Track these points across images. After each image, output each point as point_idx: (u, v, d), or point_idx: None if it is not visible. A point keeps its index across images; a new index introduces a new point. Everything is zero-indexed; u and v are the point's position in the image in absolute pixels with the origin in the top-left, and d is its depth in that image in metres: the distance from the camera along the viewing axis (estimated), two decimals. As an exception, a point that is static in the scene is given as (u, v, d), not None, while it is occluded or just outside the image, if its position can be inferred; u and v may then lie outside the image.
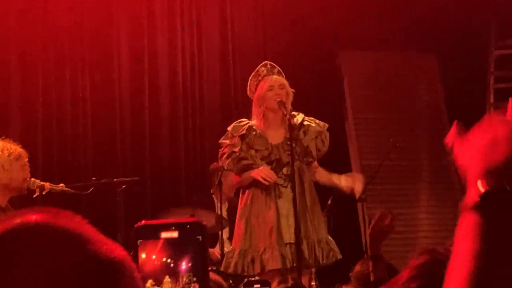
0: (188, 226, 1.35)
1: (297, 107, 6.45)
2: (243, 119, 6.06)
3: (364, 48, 9.58)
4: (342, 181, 6.09)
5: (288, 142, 5.78)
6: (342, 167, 9.22)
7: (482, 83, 9.49)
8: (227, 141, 5.94)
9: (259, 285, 3.11)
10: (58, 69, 8.57)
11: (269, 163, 5.87)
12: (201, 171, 8.97)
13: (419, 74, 9.76)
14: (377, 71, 9.56)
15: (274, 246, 5.71)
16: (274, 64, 6.05)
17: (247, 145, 5.86)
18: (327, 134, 6.05)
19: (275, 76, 5.93)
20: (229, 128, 6.01)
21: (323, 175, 6.10)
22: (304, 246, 5.75)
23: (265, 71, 5.97)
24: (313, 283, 6.54)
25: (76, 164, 8.44)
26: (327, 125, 6.11)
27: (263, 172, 5.76)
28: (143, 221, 1.34)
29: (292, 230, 5.65)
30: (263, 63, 6.13)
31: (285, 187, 5.81)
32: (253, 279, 5.81)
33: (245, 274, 5.85)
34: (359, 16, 9.61)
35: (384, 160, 7.97)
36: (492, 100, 9.49)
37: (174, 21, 9.12)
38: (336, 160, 9.15)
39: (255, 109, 5.97)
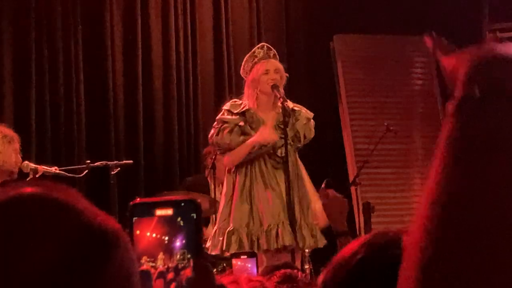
0: (183, 203, 1.35)
1: (290, 91, 6.46)
2: (237, 99, 6.05)
3: (358, 31, 9.58)
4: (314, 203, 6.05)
5: (280, 126, 5.80)
6: (336, 151, 9.28)
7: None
8: (228, 116, 5.92)
9: (245, 256, 3.15)
10: (51, 54, 8.54)
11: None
12: (195, 154, 8.97)
13: (413, 58, 9.76)
14: (371, 54, 9.57)
15: (264, 226, 5.74)
16: (271, 47, 6.04)
17: (247, 122, 5.89)
18: (313, 123, 6.04)
19: (271, 60, 5.92)
20: (225, 107, 6.00)
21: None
22: (300, 228, 5.81)
23: (261, 53, 5.95)
24: (306, 266, 6.57)
25: (70, 147, 8.43)
26: (312, 114, 6.08)
27: (264, 133, 5.77)
28: (138, 199, 1.34)
29: (285, 212, 5.70)
30: (259, 45, 6.12)
31: (279, 169, 5.83)
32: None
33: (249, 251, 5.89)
34: (353, -1, 9.61)
35: (378, 144, 7.98)
36: (486, 84, 9.50)
37: (167, 3, 9.09)
38: (330, 144, 9.22)
39: (248, 90, 5.97)
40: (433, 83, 9.64)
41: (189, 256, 1.27)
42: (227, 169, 6.08)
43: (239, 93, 8.77)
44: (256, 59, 5.93)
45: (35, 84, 8.38)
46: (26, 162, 5.72)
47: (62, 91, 8.53)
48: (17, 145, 5.50)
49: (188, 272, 1.24)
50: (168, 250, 1.28)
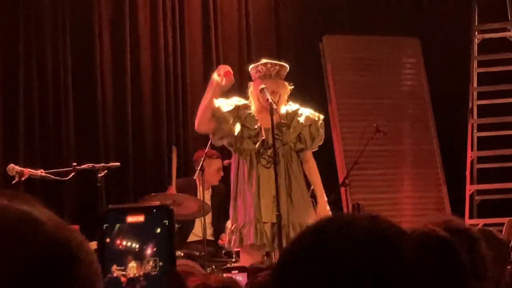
0: (155, 210, 1.32)
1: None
2: (241, 99, 6.24)
3: (347, 32, 9.56)
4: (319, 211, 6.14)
5: (281, 128, 6.01)
6: (326, 152, 9.25)
7: (465, 67, 9.49)
8: (227, 101, 6.18)
9: (237, 271, 3.14)
10: (40, 59, 8.51)
11: (255, 142, 6.05)
12: (184, 156, 8.94)
13: (402, 59, 9.75)
14: (360, 55, 9.55)
15: (251, 223, 5.94)
16: (274, 62, 6.11)
17: (238, 118, 6.08)
18: (322, 125, 6.19)
19: (268, 80, 6.03)
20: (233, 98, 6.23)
21: (310, 175, 6.26)
22: (288, 229, 5.87)
23: (263, 71, 6.10)
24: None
25: (58, 149, 8.39)
26: (322, 116, 6.22)
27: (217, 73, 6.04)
28: (111, 206, 1.31)
29: (272, 211, 5.83)
30: (263, 62, 6.15)
31: (268, 168, 5.97)
32: (231, 265, 5.98)
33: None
34: (343, 0, 9.59)
35: (367, 145, 7.97)
36: (475, 84, 9.51)
37: (156, 7, 9.06)
38: (319, 146, 9.18)
39: (253, 92, 6.14)
40: (423, 84, 9.62)
41: (161, 263, 1.25)
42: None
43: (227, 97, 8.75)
44: (257, 75, 6.11)
45: (23, 86, 8.34)
46: (12, 165, 5.69)
47: (51, 93, 8.49)
48: None
49: (159, 280, 1.22)
50: (140, 257, 1.25)
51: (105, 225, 1.31)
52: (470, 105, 9.43)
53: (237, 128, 6.09)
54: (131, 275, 1.29)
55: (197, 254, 7.26)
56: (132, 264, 1.30)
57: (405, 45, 9.75)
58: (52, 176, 5.95)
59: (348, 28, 9.54)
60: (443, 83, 9.43)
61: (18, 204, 1.04)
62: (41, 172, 5.84)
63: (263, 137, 6.03)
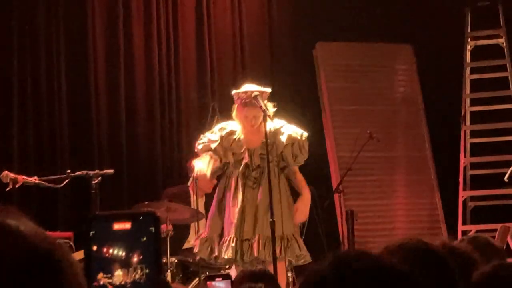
0: (141, 217, 1.34)
1: (274, 98, 6.50)
2: (228, 122, 6.34)
3: (341, 39, 9.59)
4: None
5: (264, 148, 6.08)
6: (319, 159, 9.28)
7: (458, 74, 9.52)
8: (210, 136, 6.31)
9: (220, 278, 3.15)
10: (34, 66, 8.52)
11: (240, 165, 6.22)
12: (178, 164, 8.95)
13: (395, 65, 9.78)
14: (354, 62, 9.58)
15: (231, 239, 6.10)
16: (253, 89, 6.15)
17: (223, 146, 6.22)
18: (305, 142, 6.26)
19: (249, 108, 6.11)
20: (215, 128, 6.37)
21: (298, 189, 6.39)
22: (257, 242, 6.06)
23: (244, 98, 6.15)
24: (289, 274, 6.59)
25: (52, 156, 8.41)
26: (306, 134, 6.27)
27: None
28: (96, 212, 1.33)
29: (252, 229, 6.09)
30: (244, 90, 6.20)
31: (254, 188, 6.15)
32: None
33: (207, 260, 6.35)
34: (336, 7, 9.61)
35: (361, 152, 8.00)
36: (468, 91, 9.53)
37: (150, 12, 9.08)
38: (313, 152, 9.21)
39: (238, 115, 6.24)
40: (416, 90, 9.65)
41: (147, 271, 1.27)
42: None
43: (221, 104, 8.79)
44: (238, 101, 6.19)
45: (17, 93, 8.35)
46: (6, 172, 5.69)
47: (45, 100, 8.51)
48: None
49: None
50: (126, 265, 1.26)
51: (91, 232, 1.33)
52: (463, 112, 9.45)
53: (228, 155, 6.26)
54: (118, 283, 1.31)
55: (191, 261, 7.27)
56: (119, 272, 1.31)
57: (398, 52, 9.79)
58: (46, 183, 5.96)
59: (342, 35, 9.56)
60: (436, 90, 9.46)
61: (1, 216, 1.06)
62: (35, 179, 5.85)
63: (246, 160, 6.17)
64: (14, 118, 8.32)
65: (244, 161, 6.19)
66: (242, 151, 6.20)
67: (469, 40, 9.59)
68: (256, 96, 6.06)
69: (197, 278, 6.93)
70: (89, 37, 8.79)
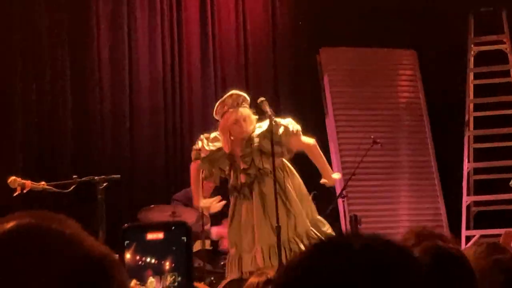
0: (173, 227, 1.37)
1: (277, 103, 6.53)
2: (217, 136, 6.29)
3: (344, 44, 9.61)
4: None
5: (246, 159, 6.15)
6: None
7: (462, 79, 9.55)
8: (205, 143, 6.30)
9: None
10: (38, 70, 8.54)
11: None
12: (181, 168, 8.97)
13: (399, 71, 9.80)
14: (357, 67, 9.59)
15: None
16: (240, 93, 6.20)
17: (210, 161, 6.25)
18: (276, 125, 6.11)
19: (240, 109, 6.11)
20: (211, 135, 6.31)
21: (314, 160, 6.37)
22: (260, 253, 6.07)
23: (230, 102, 6.15)
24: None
25: (57, 162, 8.42)
26: (276, 121, 6.16)
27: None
28: (130, 223, 1.36)
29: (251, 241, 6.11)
30: (229, 93, 6.24)
31: (250, 199, 6.18)
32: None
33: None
34: (340, 12, 9.63)
35: (365, 156, 8.01)
36: (471, 96, 9.56)
37: (154, 19, 9.10)
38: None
39: (221, 135, 6.22)
40: (419, 96, 9.67)
41: (179, 279, 1.30)
42: None
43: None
44: (226, 107, 6.15)
45: (21, 97, 8.37)
46: (14, 177, 5.70)
47: (49, 106, 8.53)
48: None
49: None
50: (159, 272, 1.30)
51: (126, 242, 1.36)
52: (467, 117, 9.47)
53: (215, 172, 6.32)
54: (151, 290, 1.34)
55: (196, 265, 7.29)
56: (151, 279, 1.34)
57: (402, 57, 9.81)
58: (54, 189, 5.96)
59: (345, 40, 9.58)
60: (439, 95, 9.48)
61: (55, 223, 1.08)
62: (43, 185, 5.86)
63: (232, 181, 6.23)
64: (18, 124, 8.34)
65: (230, 181, 6.24)
66: (226, 169, 6.24)
67: (472, 45, 9.61)
68: (262, 101, 6.05)
69: (202, 283, 6.94)
70: (94, 41, 8.81)
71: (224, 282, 6.75)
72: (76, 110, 8.66)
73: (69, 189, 6.08)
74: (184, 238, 1.37)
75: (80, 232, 1.10)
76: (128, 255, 1.35)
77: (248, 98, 6.22)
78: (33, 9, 8.59)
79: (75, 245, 1.06)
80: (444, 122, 9.46)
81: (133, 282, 1.34)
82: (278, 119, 6.18)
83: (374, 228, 8.95)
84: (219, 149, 6.22)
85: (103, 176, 6.35)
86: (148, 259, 1.37)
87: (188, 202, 7.51)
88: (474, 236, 8.90)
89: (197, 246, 7.55)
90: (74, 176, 6.27)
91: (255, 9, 9.63)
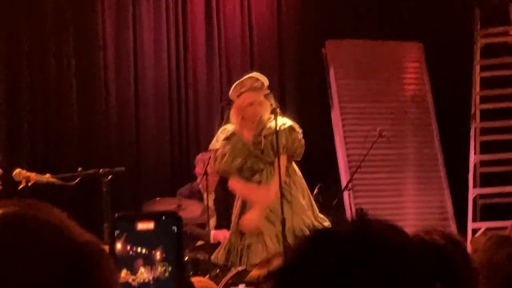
0: (164, 217, 1.37)
1: (284, 96, 6.53)
2: (226, 127, 6.26)
3: (350, 36, 9.59)
4: None
5: (258, 147, 6.08)
6: (329, 157, 9.30)
7: (468, 72, 9.52)
8: (218, 144, 6.19)
9: (244, 285, 3.13)
10: (43, 63, 8.56)
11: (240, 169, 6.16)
12: (187, 161, 8.98)
13: (405, 63, 9.78)
14: (363, 60, 9.57)
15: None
16: (259, 77, 6.15)
17: (232, 147, 6.13)
18: (286, 131, 6.09)
19: (255, 93, 6.08)
20: (215, 138, 6.27)
21: None
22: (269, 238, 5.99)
23: (249, 84, 6.11)
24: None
25: (62, 154, 8.44)
26: (289, 124, 6.12)
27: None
28: (121, 213, 1.36)
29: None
30: (249, 75, 6.20)
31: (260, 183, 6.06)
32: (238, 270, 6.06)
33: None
34: (345, 4, 9.62)
35: (370, 149, 8.00)
36: (478, 89, 9.53)
37: (160, 17, 9.11)
38: (322, 150, 9.23)
39: (233, 115, 6.18)
40: (426, 88, 9.65)
41: (170, 268, 1.30)
42: None
43: (230, 102, 8.78)
44: (243, 89, 6.11)
45: (27, 92, 8.39)
46: (19, 169, 5.72)
47: (55, 97, 8.55)
48: None
49: (169, 284, 1.26)
50: (149, 262, 1.30)
51: (116, 232, 1.36)
52: (473, 109, 9.45)
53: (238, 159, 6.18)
54: (141, 280, 1.34)
55: (201, 258, 7.30)
56: (142, 269, 1.34)
57: (408, 49, 9.78)
58: (59, 181, 5.98)
59: (351, 32, 9.57)
60: (446, 87, 9.46)
61: (41, 212, 1.08)
62: (48, 177, 5.87)
63: (249, 165, 6.12)
64: (24, 117, 8.36)
65: (246, 166, 6.14)
66: (243, 153, 6.14)
67: (479, 38, 9.58)
68: (267, 94, 6.06)
69: (208, 276, 6.95)
70: (99, 33, 8.82)
71: (230, 274, 6.77)
72: (81, 103, 8.68)
73: (74, 182, 6.11)
74: (175, 228, 1.37)
75: (66, 220, 1.10)
76: (118, 245, 1.35)
77: (266, 84, 6.18)
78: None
79: (60, 233, 1.06)
80: (450, 114, 9.43)
81: (124, 272, 1.34)
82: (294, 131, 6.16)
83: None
84: (233, 134, 6.16)
85: (107, 169, 6.37)
86: (139, 249, 1.37)
87: (192, 197, 7.53)
88: (480, 228, 8.89)
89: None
90: (79, 169, 6.29)
91: (261, 2, 9.62)
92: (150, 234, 1.37)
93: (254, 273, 4.01)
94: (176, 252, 1.35)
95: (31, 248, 1.05)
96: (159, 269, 1.35)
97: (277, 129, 5.93)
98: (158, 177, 8.84)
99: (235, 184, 6.21)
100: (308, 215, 6.14)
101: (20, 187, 5.68)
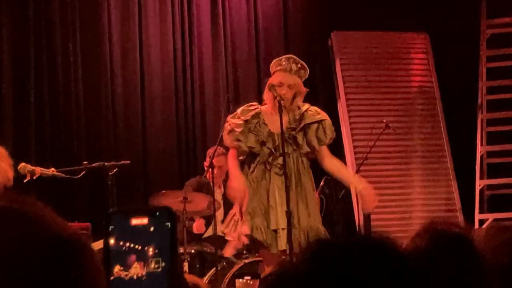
0: (158, 212, 1.36)
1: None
2: (253, 103, 6.18)
3: (356, 28, 9.57)
4: (357, 186, 6.20)
5: (292, 132, 5.98)
6: (335, 148, 9.28)
7: (475, 62, 9.50)
8: (234, 120, 6.07)
9: (249, 277, 3.12)
10: (50, 58, 8.58)
11: (266, 149, 5.99)
12: (194, 154, 8.99)
13: (411, 54, 9.76)
14: (370, 51, 9.56)
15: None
16: (298, 60, 6.11)
17: (248, 129, 6.01)
18: (329, 123, 6.11)
19: (288, 74, 6.01)
20: (238, 110, 6.13)
21: (335, 168, 6.20)
22: (297, 233, 5.83)
23: (284, 65, 6.04)
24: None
25: (69, 148, 8.46)
26: (326, 117, 6.17)
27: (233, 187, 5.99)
28: (115, 208, 1.36)
29: (281, 217, 5.79)
30: (288, 56, 6.15)
31: (281, 175, 5.89)
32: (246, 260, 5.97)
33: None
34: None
35: (377, 141, 7.98)
36: (484, 79, 9.51)
37: (165, 9, 9.11)
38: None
39: (267, 93, 6.09)
40: (432, 79, 9.63)
41: (163, 264, 1.29)
42: None
43: (236, 94, 8.77)
44: (278, 67, 6.05)
45: (34, 86, 8.41)
46: (24, 164, 5.73)
47: (61, 91, 8.56)
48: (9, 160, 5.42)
49: (162, 280, 1.26)
50: (142, 258, 1.29)
51: (110, 227, 1.36)
52: (480, 100, 9.43)
53: (251, 140, 6.01)
54: (134, 276, 1.34)
55: (208, 251, 7.30)
56: (135, 265, 1.34)
57: (414, 40, 9.76)
58: (63, 175, 5.99)
59: (357, 24, 9.55)
60: (452, 78, 9.44)
61: (23, 205, 1.08)
62: (53, 171, 5.88)
63: (270, 145, 5.98)
64: (31, 110, 8.38)
65: (268, 146, 5.98)
66: (266, 135, 5.99)
67: (485, 28, 9.55)
68: (273, 86, 5.99)
69: (214, 268, 6.96)
70: (105, 27, 8.83)
71: (236, 266, 6.77)
72: (88, 95, 8.70)
73: (79, 176, 6.12)
74: (169, 224, 1.36)
75: (50, 215, 1.10)
76: (112, 241, 1.35)
77: (306, 70, 6.15)
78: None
79: (43, 227, 1.06)
80: (457, 105, 9.41)
81: (117, 267, 1.33)
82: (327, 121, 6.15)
83: (387, 212, 8.94)
84: (255, 115, 6.04)
85: (113, 162, 6.38)
86: (132, 245, 1.37)
87: (200, 189, 7.53)
88: (487, 219, 8.87)
89: (209, 231, 7.58)
90: (84, 162, 6.31)
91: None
92: (144, 230, 1.37)
93: (268, 270, 3.96)
94: (169, 247, 1.35)
95: (12, 241, 1.05)
96: (152, 264, 1.35)
97: (282, 123, 5.82)
98: (165, 169, 8.84)
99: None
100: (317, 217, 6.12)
101: (25, 180, 5.69)
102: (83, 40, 8.73)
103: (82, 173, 6.17)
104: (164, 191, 7.14)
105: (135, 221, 1.35)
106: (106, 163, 6.30)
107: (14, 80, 8.40)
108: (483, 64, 9.49)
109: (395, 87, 9.54)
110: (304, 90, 6.10)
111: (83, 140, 8.58)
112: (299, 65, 6.08)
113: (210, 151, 7.89)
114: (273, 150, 5.95)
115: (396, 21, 9.58)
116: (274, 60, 6.14)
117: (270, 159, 5.95)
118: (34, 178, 5.73)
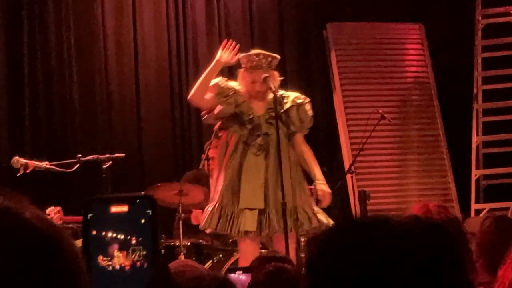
0: (138, 200, 1.35)
1: (284, 79, 6.51)
2: (232, 81, 6.18)
3: (351, 19, 9.56)
4: (318, 186, 6.17)
5: (272, 114, 5.96)
6: (331, 140, 9.28)
7: (470, 52, 9.48)
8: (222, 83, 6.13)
9: (241, 272, 3.12)
10: (44, 51, 8.56)
11: (246, 129, 6.02)
12: (189, 147, 8.98)
13: (406, 45, 9.74)
14: (365, 42, 9.54)
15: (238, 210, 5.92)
16: (266, 54, 6.12)
17: (235, 103, 6.06)
18: (309, 105, 6.14)
19: (260, 71, 6.03)
20: (219, 83, 6.12)
21: (307, 158, 6.18)
22: (273, 214, 5.87)
23: (255, 63, 6.06)
24: (302, 255, 6.59)
25: (64, 141, 8.44)
26: (308, 99, 6.19)
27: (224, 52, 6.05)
28: (93, 196, 1.34)
29: (259, 198, 5.86)
30: (256, 52, 6.15)
31: (258, 155, 5.95)
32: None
33: (224, 232, 6.03)
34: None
35: (373, 132, 7.97)
36: (480, 70, 9.50)
37: (159, 1, 9.09)
38: (324, 132, 9.23)
39: (240, 81, 6.13)
40: (427, 69, 9.61)
41: (145, 253, 1.28)
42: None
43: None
44: (248, 64, 6.07)
45: (28, 79, 8.39)
46: (17, 157, 5.71)
47: (55, 85, 8.54)
48: None
49: (145, 269, 1.25)
50: (125, 247, 1.28)
51: (89, 215, 1.34)
52: (475, 90, 9.42)
53: (230, 110, 6.05)
54: (117, 265, 1.32)
55: (204, 243, 7.29)
56: (118, 254, 1.32)
57: (409, 31, 9.74)
58: (57, 168, 5.97)
59: (352, 15, 9.53)
60: (447, 69, 9.43)
61: (1, 200, 1.07)
62: (46, 164, 5.87)
63: (257, 123, 6.02)
64: (26, 104, 8.36)
65: (253, 124, 6.03)
66: (250, 112, 6.03)
67: (480, 18, 9.54)
68: (266, 77, 6.00)
69: (211, 261, 6.95)
70: (99, 20, 8.81)
71: (232, 259, 6.76)
72: (82, 89, 8.68)
73: (73, 169, 6.10)
74: (150, 212, 1.35)
75: (32, 210, 1.08)
76: (92, 230, 1.33)
77: (276, 58, 6.16)
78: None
79: (23, 223, 1.05)
80: (452, 95, 9.40)
81: (99, 257, 1.32)
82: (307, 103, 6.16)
83: (383, 203, 8.93)
84: (236, 93, 6.06)
85: (107, 155, 6.36)
86: (114, 234, 1.35)
87: (197, 181, 7.50)
88: (483, 209, 8.87)
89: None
90: (78, 155, 6.28)
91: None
92: (124, 218, 1.35)
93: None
94: (151, 236, 1.34)
95: None
96: (135, 253, 1.33)
97: (277, 118, 5.86)
98: (160, 162, 8.83)
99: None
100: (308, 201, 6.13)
101: (19, 174, 5.67)
102: (77, 33, 8.70)
103: (76, 166, 6.15)
104: (159, 184, 7.13)
105: (114, 209, 1.33)
106: (101, 156, 6.28)
107: (8, 74, 8.38)
108: (478, 54, 9.48)
109: (390, 78, 9.52)
110: (278, 79, 6.10)
111: (78, 133, 8.56)
112: (269, 59, 6.09)
113: (207, 144, 7.89)
114: (252, 129, 6.00)
115: (391, 11, 9.57)
116: (243, 55, 6.12)
117: (248, 139, 5.98)
118: (28, 171, 5.71)
